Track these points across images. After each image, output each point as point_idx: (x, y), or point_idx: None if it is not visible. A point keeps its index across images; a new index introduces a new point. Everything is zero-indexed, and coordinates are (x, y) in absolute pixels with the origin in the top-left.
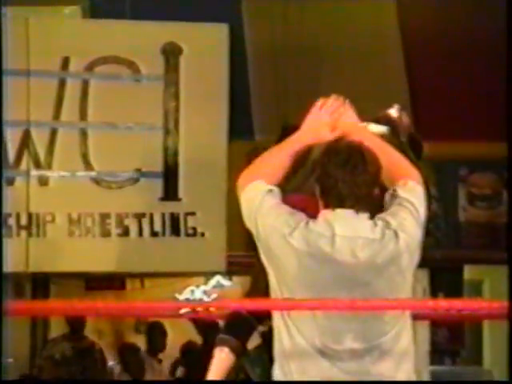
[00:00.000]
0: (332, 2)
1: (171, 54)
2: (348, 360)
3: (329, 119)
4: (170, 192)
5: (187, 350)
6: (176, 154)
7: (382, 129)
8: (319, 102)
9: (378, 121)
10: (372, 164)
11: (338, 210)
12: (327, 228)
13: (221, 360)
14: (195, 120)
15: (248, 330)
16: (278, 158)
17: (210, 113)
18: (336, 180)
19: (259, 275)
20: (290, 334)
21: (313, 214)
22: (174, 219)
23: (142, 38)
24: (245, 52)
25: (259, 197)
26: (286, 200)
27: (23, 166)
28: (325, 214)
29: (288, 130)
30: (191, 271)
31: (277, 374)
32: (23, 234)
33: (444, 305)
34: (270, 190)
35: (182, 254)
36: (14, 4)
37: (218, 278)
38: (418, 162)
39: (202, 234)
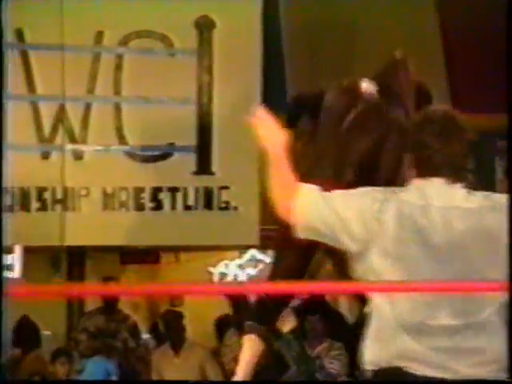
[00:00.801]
0: None
1: (204, 27)
2: (441, 336)
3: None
4: (204, 166)
5: (222, 323)
6: (209, 128)
7: (371, 87)
8: (253, 122)
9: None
10: (468, 132)
11: (434, 179)
12: (420, 198)
13: (250, 347)
14: (228, 94)
15: (272, 315)
16: (287, 174)
17: (243, 87)
18: (431, 149)
19: (284, 254)
20: (384, 311)
21: None
22: (208, 193)
23: (175, 12)
24: (279, 26)
25: (320, 197)
26: None
27: (58, 140)
28: (417, 183)
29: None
30: (224, 245)
31: (367, 351)
32: (58, 208)
33: None
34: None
35: (215, 228)
36: None
37: (252, 252)
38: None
39: (235, 208)
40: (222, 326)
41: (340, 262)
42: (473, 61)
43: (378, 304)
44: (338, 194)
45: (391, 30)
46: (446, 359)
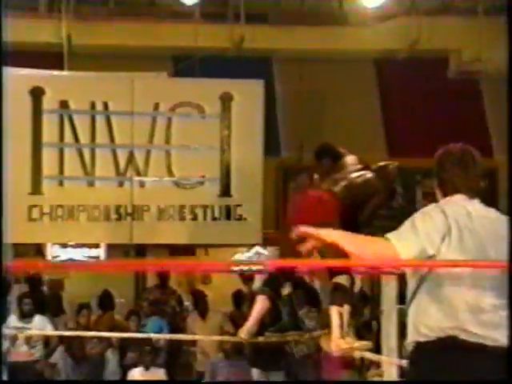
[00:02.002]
0: (331, 65)
1: (226, 99)
2: (488, 313)
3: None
4: (225, 191)
5: (237, 295)
6: (228, 166)
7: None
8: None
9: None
10: (480, 162)
11: (456, 196)
12: (461, 208)
13: (261, 304)
14: (241, 143)
15: (279, 283)
16: (349, 237)
17: (251, 139)
18: (452, 175)
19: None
20: (450, 291)
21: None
22: (228, 209)
23: (206, 89)
24: (274, 99)
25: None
26: (304, 195)
27: (128, 174)
28: (451, 199)
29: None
30: (238, 243)
31: (430, 321)
32: (129, 218)
33: None
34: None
35: (233, 232)
36: (122, 70)
37: (257, 248)
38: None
39: (245, 219)
40: (236, 296)
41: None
42: (404, 120)
43: (444, 284)
44: (416, 225)
45: (344, 102)
46: (490, 331)
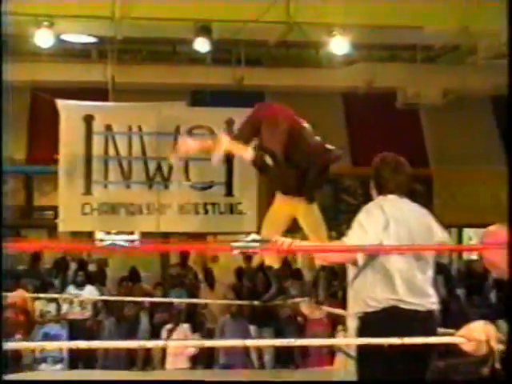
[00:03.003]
0: (310, 97)
1: (230, 123)
2: (418, 285)
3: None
4: (229, 192)
5: (238, 271)
6: (231, 173)
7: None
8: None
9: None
10: (408, 169)
11: (390, 196)
12: (395, 205)
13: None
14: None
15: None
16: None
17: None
18: (387, 179)
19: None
20: (390, 270)
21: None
22: (231, 206)
23: (215, 115)
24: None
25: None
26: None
27: (156, 179)
28: (384, 198)
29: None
30: (238, 231)
31: (379, 294)
32: (156, 212)
33: None
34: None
35: (234, 223)
36: (152, 101)
37: (252, 235)
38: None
39: (245, 213)
40: (238, 272)
41: None
42: (364, 137)
43: (385, 264)
44: (362, 223)
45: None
46: (421, 299)
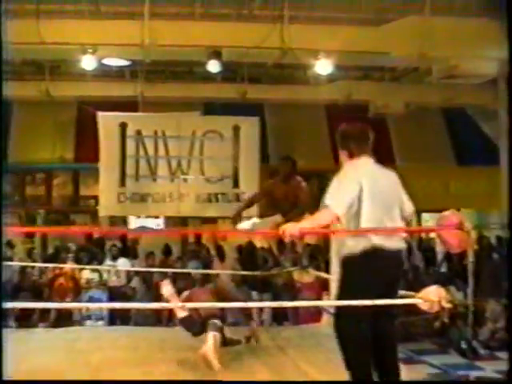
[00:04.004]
0: (300, 108)
1: (236, 129)
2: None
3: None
4: (236, 184)
5: (239, 248)
6: (238, 169)
7: None
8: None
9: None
10: (372, 134)
11: (363, 157)
12: (367, 165)
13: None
14: (246, 155)
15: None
16: (308, 220)
17: (251, 153)
18: (357, 142)
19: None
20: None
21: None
22: (237, 195)
23: (224, 123)
24: (265, 128)
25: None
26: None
27: (177, 174)
28: (356, 161)
29: (285, 159)
30: (243, 216)
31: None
32: (177, 201)
33: None
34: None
35: None
36: (172, 111)
37: (254, 219)
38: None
39: None
40: (240, 249)
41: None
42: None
43: (360, 215)
44: (344, 188)
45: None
46: (390, 241)
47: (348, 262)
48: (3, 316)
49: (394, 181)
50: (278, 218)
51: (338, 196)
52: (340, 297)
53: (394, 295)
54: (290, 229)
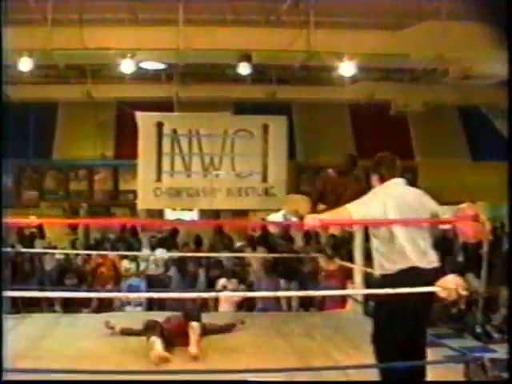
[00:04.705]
0: (326, 108)
1: (265, 127)
2: (422, 251)
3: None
4: (264, 179)
5: (251, 238)
6: (267, 165)
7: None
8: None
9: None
10: (399, 163)
11: (394, 179)
12: (396, 186)
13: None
14: (274, 152)
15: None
16: (331, 214)
17: (279, 150)
18: (388, 169)
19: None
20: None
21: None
22: (266, 189)
23: (254, 121)
24: (293, 126)
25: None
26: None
27: (209, 170)
28: (386, 184)
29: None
30: (272, 208)
31: (397, 263)
32: (209, 195)
33: None
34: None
35: (269, 203)
36: (206, 111)
37: (282, 211)
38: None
39: (276, 195)
40: (251, 239)
41: None
42: (365, 137)
43: (396, 236)
44: (368, 202)
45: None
46: (426, 262)
47: (385, 280)
48: (3, 310)
49: (420, 199)
50: (298, 197)
51: (359, 205)
52: (377, 314)
53: (427, 315)
54: (310, 220)
